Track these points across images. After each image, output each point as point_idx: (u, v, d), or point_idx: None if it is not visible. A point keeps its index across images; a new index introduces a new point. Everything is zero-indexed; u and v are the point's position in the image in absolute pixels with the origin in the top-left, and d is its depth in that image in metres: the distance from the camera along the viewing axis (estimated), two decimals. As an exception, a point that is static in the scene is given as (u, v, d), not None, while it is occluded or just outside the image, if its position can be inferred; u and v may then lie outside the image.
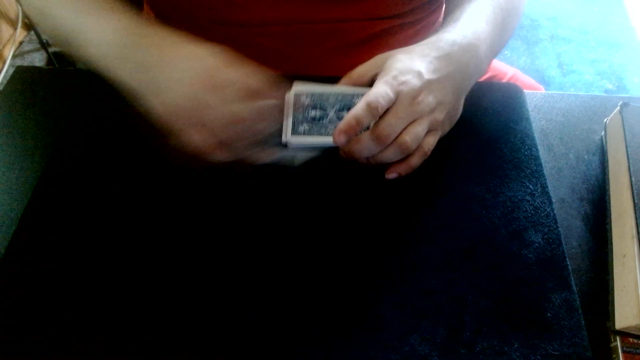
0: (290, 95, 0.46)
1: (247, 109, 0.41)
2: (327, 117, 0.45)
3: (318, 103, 0.45)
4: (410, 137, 0.42)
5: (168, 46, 0.43)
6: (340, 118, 0.44)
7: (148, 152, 0.48)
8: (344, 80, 0.47)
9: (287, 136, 0.44)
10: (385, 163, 0.44)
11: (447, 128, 0.48)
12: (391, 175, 0.46)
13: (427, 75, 0.43)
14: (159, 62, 0.42)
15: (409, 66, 0.43)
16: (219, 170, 0.46)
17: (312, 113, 0.45)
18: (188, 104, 0.41)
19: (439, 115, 0.44)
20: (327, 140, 0.43)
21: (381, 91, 0.42)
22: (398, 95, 0.42)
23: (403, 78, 0.42)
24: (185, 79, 0.41)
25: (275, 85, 0.43)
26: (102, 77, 0.44)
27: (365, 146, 0.42)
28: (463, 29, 0.47)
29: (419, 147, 0.44)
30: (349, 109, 0.43)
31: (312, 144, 0.44)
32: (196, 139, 0.41)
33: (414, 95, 0.42)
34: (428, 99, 0.43)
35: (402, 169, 0.45)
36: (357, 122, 0.41)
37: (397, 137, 0.42)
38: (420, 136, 0.43)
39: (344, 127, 0.41)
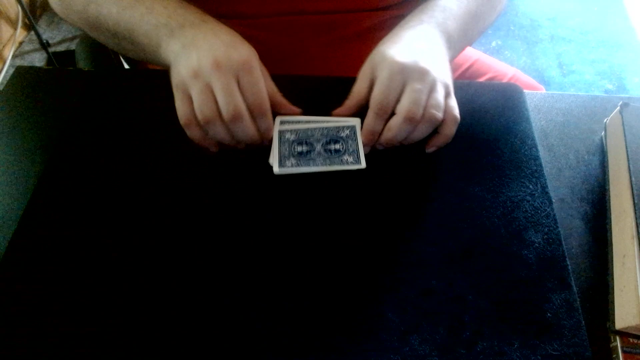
0: (275, 131, 0.47)
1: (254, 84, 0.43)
2: (314, 151, 0.46)
3: (304, 139, 0.47)
4: (434, 107, 0.44)
5: (212, 23, 0.47)
6: (327, 151, 0.46)
7: (147, 153, 0.48)
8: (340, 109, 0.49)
9: (275, 168, 0.46)
10: (419, 140, 0.47)
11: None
12: (431, 149, 0.48)
13: (414, 50, 0.46)
14: (196, 37, 0.45)
15: (392, 50, 0.46)
16: (219, 171, 0.46)
17: (299, 149, 0.46)
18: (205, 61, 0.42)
19: (445, 78, 0.46)
20: (315, 169, 0.46)
21: (381, 89, 0.44)
22: (406, 76, 0.44)
23: (399, 60, 0.45)
24: (221, 36, 0.44)
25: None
26: (102, 77, 0.44)
27: (398, 132, 0.45)
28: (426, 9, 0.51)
29: (446, 114, 0.46)
30: (336, 141, 0.46)
31: (301, 172, 0.46)
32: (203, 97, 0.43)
33: (421, 70, 0.44)
34: (429, 68, 0.45)
35: (441, 141, 0.48)
36: (373, 133, 0.45)
37: (423, 112, 0.44)
38: (440, 102, 0.45)
39: (367, 142, 0.46)
